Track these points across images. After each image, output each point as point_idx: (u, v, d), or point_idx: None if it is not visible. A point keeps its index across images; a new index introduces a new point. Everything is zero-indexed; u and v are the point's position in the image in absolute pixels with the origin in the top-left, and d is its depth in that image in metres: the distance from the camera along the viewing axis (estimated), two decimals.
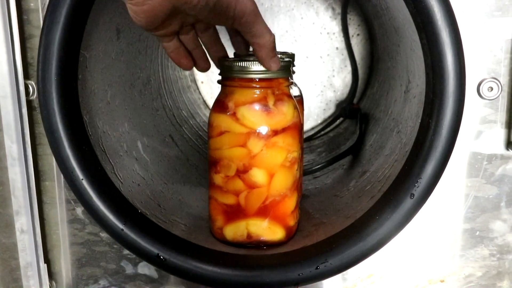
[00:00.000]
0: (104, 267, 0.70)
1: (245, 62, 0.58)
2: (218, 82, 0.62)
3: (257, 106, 0.59)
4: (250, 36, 0.55)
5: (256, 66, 0.58)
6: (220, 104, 0.60)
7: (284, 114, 0.59)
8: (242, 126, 0.59)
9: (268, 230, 0.62)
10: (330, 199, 0.74)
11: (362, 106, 1.02)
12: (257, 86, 0.59)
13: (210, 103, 1.12)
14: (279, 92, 0.60)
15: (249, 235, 0.62)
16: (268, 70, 0.57)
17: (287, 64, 0.60)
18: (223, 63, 0.61)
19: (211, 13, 0.51)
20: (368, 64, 1.09)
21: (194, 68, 0.65)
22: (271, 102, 0.59)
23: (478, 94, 0.57)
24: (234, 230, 0.62)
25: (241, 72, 0.58)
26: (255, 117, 0.59)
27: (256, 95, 0.59)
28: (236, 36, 0.62)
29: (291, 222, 0.63)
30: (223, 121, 0.60)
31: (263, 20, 0.54)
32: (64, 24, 0.58)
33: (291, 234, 0.64)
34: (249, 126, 0.59)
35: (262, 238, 0.62)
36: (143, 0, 0.47)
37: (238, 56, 0.63)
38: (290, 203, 0.62)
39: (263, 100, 0.59)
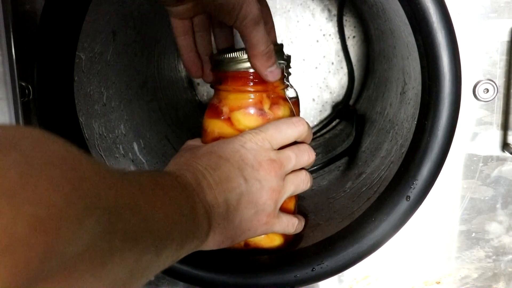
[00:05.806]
0: None
1: (238, 52, 0.56)
2: (211, 86, 0.60)
3: (252, 111, 0.57)
4: (245, 42, 0.54)
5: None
6: (214, 109, 0.59)
7: (280, 118, 0.57)
8: (237, 131, 0.56)
9: (266, 238, 0.60)
10: (326, 200, 0.74)
11: (358, 107, 1.02)
12: (252, 90, 0.57)
13: (207, 104, 1.12)
14: (274, 96, 0.58)
15: (246, 244, 0.60)
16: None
17: (281, 66, 0.59)
18: (214, 58, 0.58)
19: (219, 7, 0.51)
20: (364, 65, 1.09)
21: None
22: (266, 106, 0.57)
23: (474, 96, 0.57)
24: None
25: (233, 64, 0.56)
26: (250, 122, 0.57)
27: (250, 99, 0.57)
28: (220, 28, 0.61)
29: None
30: (217, 126, 0.58)
31: (262, 29, 0.53)
32: (60, 26, 0.58)
33: (290, 240, 0.62)
34: (244, 131, 0.56)
35: (260, 246, 0.60)
36: None
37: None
38: (288, 209, 0.60)
39: (258, 104, 0.57)
